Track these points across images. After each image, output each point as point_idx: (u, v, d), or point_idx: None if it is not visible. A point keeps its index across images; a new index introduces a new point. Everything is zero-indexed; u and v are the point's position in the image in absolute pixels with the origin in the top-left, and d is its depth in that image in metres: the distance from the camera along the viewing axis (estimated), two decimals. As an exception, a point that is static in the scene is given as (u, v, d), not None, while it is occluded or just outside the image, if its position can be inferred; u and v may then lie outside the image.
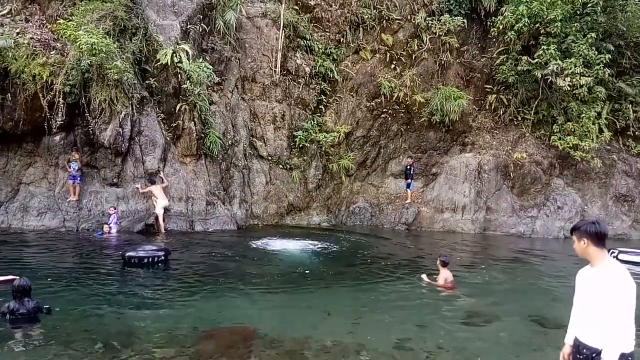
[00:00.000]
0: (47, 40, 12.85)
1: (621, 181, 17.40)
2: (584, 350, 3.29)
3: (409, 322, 6.71)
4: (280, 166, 16.53)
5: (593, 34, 15.93)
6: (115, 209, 12.64)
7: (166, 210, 13.08)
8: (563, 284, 9.47)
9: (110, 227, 12.26)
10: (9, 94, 12.32)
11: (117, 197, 13.26)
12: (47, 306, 6.11)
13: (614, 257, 11.83)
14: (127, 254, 9.19)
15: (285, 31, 16.57)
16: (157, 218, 12.84)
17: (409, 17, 17.92)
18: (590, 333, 3.26)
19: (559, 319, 6.88)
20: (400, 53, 17.73)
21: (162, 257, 9.36)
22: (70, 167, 12.83)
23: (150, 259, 9.15)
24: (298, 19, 17.05)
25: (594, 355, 3.21)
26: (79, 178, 12.92)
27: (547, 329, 6.65)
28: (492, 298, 8.16)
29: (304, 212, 16.84)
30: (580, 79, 15.62)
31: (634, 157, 17.77)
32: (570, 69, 15.66)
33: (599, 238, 3.26)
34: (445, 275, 8.51)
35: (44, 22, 13.34)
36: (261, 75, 16.51)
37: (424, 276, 8.91)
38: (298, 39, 17.07)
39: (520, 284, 9.26)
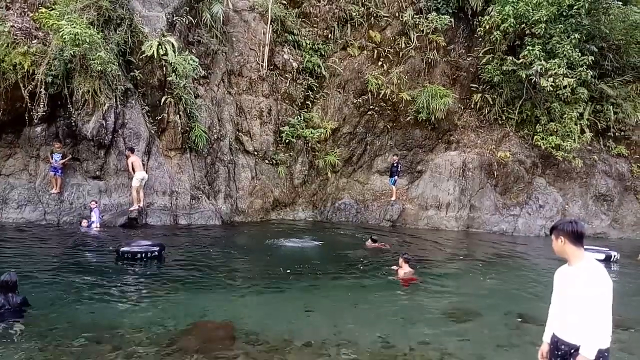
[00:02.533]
0: (28, 29, 12.54)
1: (601, 181, 17.76)
2: (562, 347, 3.36)
3: (392, 319, 6.78)
4: (266, 161, 16.47)
5: (577, 36, 16.18)
6: (96, 202, 12.44)
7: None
8: (543, 281, 9.64)
9: (89, 222, 12.05)
10: (-11, 83, 12.02)
11: (99, 190, 13.07)
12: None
13: None
14: (121, 249, 9.05)
15: (272, 25, 16.47)
16: (133, 190, 12.57)
17: (396, 15, 17.97)
18: (568, 329, 3.33)
19: (539, 316, 6.97)
20: (387, 50, 17.78)
21: (156, 252, 9.19)
22: (52, 159, 12.59)
23: (143, 254, 9.01)
24: (286, 13, 16.97)
25: (572, 351, 3.27)
26: (60, 170, 12.68)
27: (527, 325, 6.76)
28: (474, 295, 8.29)
29: (289, 208, 16.82)
30: (563, 79, 15.85)
31: (614, 157, 18.15)
32: (554, 69, 15.89)
33: (577, 237, 3.35)
34: (405, 271, 9.02)
35: (26, 10, 13.00)
36: (248, 70, 16.40)
37: (394, 267, 9.40)
38: (286, 34, 16.99)
39: (502, 282, 9.40)
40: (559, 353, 3.39)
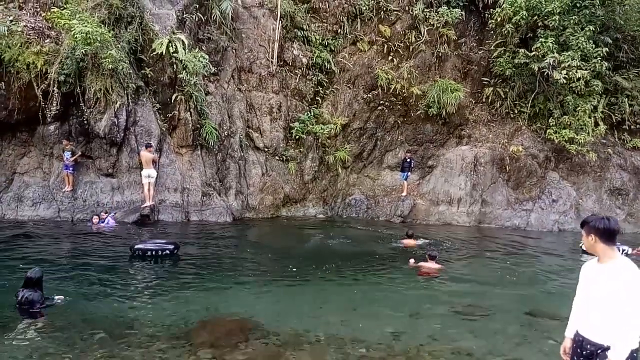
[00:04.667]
0: (41, 29, 12.71)
1: (616, 175, 17.47)
2: (588, 346, 3.24)
3: (404, 314, 6.76)
4: (277, 158, 16.49)
5: (591, 27, 15.89)
6: (107, 213, 12.43)
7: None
8: (557, 277, 9.58)
9: (102, 220, 12.14)
10: (3, 83, 12.21)
11: (112, 188, 13.22)
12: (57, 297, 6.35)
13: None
14: (136, 246, 9.10)
15: (282, 21, 16.45)
16: (144, 187, 12.69)
17: (406, 9, 17.81)
18: (595, 329, 3.21)
19: (554, 312, 6.97)
20: (397, 45, 17.65)
21: (170, 251, 9.19)
22: (65, 157, 12.75)
23: (160, 252, 9.03)
24: (295, 9, 16.92)
25: (599, 351, 3.16)
26: (71, 168, 12.83)
27: (540, 321, 6.70)
28: (487, 290, 8.22)
29: (299, 204, 16.83)
30: (577, 72, 15.59)
31: (629, 151, 17.84)
32: (567, 62, 15.64)
33: (609, 235, 3.19)
34: (430, 265, 9.13)
35: (38, 10, 13.17)
36: (258, 66, 16.41)
37: (412, 260, 9.45)
38: (295, 30, 16.95)
39: (515, 277, 9.31)
40: (584, 352, 3.27)
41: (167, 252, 9.16)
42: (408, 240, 11.91)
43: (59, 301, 6.41)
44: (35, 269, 6.24)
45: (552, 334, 5.88)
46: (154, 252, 9.02)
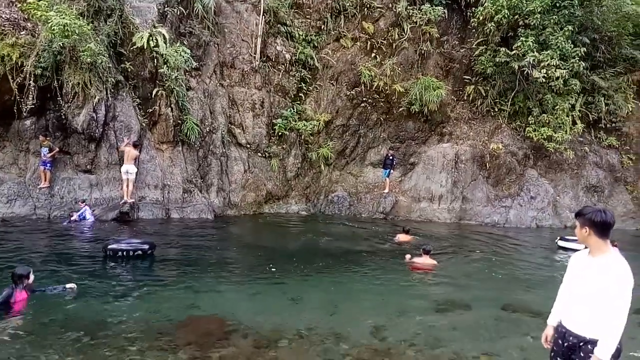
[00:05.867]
0: (16, 20, 12.35)
1: (592, 172, 17.91)
2: (571, 338, 3.23)
3: (385, 310, 6.81)
4: (259, 154, 16.41)
5: (570, 27, 16.20)
6: (84, 202, 12.26)
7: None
8: (535, 272, 9.78)
9: (81, 216, 11.91)
10: (-24, 76, 11.82)
11: (90, 184, 12.96)
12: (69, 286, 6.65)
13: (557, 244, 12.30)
14: (109, 246, 8.75)
15: (265, 17, 16.33)
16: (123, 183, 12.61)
17: (390, 6, 17.86)
18: (579, 321, 3.19)
19: (531, 307, 7.11)
20: (380, 42, 17.70)
21: (144, 251, 8.85)
22: (42, 153, 12.45)
23: (132, 252, 8.69)
24: (278, 4, 16.80)
25: (581, 344, 3.15)
26: (49, 164, 12.54)
27: (519, 316, 6.83)
28: (467, 286, 8.34)
29: (282, 201, 16.80)
30: (555, 71, 15.90)
31: (605, 149, 18.29)
32: (547, 61, 15.93)
33: (604, 228, 3.10)
34: (424, 260, 9.15)
35: (13, 0, 12.79)
36: (240, 61, 16.27)
37: (408, 256, 9.52)
38: (278, 25, 16.85)
39: (494, 273, 9.47)
40: (566, 344, 3.25)
41: (140, 252, 8.77)
42: (404, 236, 12.01)
43: (70, 290, 6.63)
44: (23, 266, 6.29)
45: (530, 330, 6.01)
46: (127, 253, 8.66)
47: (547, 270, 10.20)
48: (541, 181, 17.40)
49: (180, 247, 10.24)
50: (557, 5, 16.69)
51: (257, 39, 16.29)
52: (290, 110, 16.81)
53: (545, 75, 15.96)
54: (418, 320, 6.45)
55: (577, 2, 16.59)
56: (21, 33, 12.20)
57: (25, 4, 12.09)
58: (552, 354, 3.42)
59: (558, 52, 16.12)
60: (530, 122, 17.20)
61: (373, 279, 8.48)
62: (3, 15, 12.24)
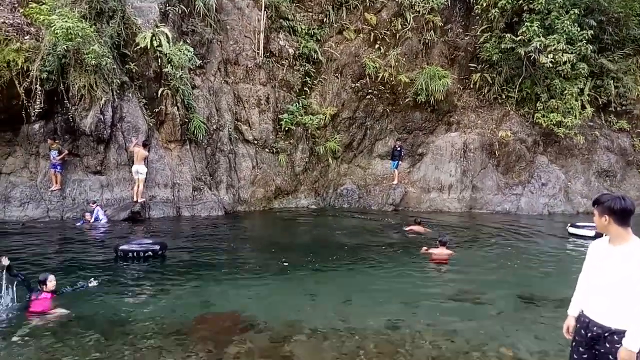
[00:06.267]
0: (20, 25, 12.40)
1: (603, 157, 17.70)
2: (595, 328, 3.12)
3: (399, 302, 6.77)
4: (267, 150, 16.40)
5: (576, 10, 15.96)
6: (95, 203, 12.33)
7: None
8: (550, 260, 9.69)
9: (95, 218, 12.01)
10: (-17, 82, 11.90)
11: (101, 185, 13.05)
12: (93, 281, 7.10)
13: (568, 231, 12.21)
14: (120, 247, 8.77)
15: (267, 12, 16.26)
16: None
17: (392, -4, 17.69)
18: (603, 311, 3.09)
19: (548, 295, 7.06)
20: (384, 32, 17.56)
21: (158, 252, 8.86)
22: (51, 156, 12.54)
23: (143, 253, 8.70)
24: (280, -1, 16.72)
25: (606, 334, 3.05)
26: (59, 166, 12.64)
27: (535, 304, 6.77)
28: (481, 276, 8.28)
29: (291, 196, 16.80)
30: (563, 55, 15.68)
31: (616, 132, 18.06)
32: (553, 45, 15.71)
33: (624, 215, 2.99)
34: (441, 251, 9.14)
35: (16, 5, 12.83)
36: (244, 58, 16.22)
37: (424, 248, 9.49)
38: (280, 20, 16.77)
39: (508, 261, 9.39)
40: (589, 335, 3.16)
41: (151, 252, 8.77)
42: (417, 227, 12.03)
43: (94, 284, 7.04)
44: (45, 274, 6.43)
45: (549, 320, 5.95)
46: (138, 254, 8.67)
47: (562, 258, 10.11)
48: (552, 167, 17.23)
49: (192, 245, 10.28)
50: (563, -12, 16.43)
51: (259, 35, 16.23)
52: (296, 105, 16.77)
53: (553, 60, 15.75)
54: (434, 311, 6.42)
55: (582, -16, 16.34)
56: (25, 38, 12.25)
57: (27, 9, 12.13)
58: (574, 344, 3.33)
59: (564, 36, 15.89)
60: (538, 108, 17.02)
61: (386, 271, 8.46)
62: (7, 21, 12.29)
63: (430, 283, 7.89)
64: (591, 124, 17.72)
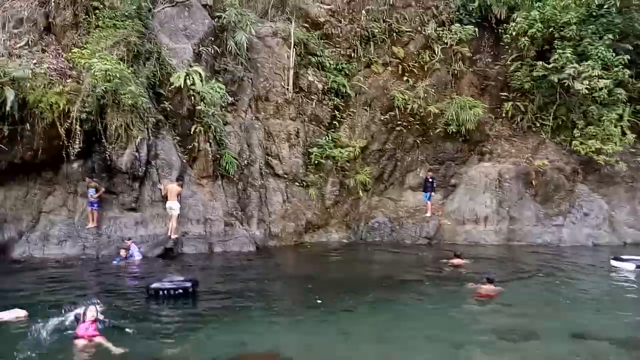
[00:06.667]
0: (63, 69, 13.00)
1: (648, 184, 16.85)
2: None
3: (442, 342, 6.39)
4: (297, 184, 16.36)
5: (610, 36, 15.66)
6: (129, 239, 12.42)
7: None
8: (601, 295, 9.08)
9: (130, 254, 12.08)
10: (28, 124, 12.39)
11: (135, 222, 13.19)
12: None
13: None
14: (152, 285, 8.65)
15: (296, 49, 16.59)
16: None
17: (419, 29, 17.85)
18: None
19: (603, 332, 6.53)
20: (412, 65, 17.61)
21: (189, 289, 8.68)
22: (89, 194, 12.82)
23: (174, 291, 8.53)
24: (308, 36, 17.07)
25: None
26: (96, 204, 12.88)
27: (594, 344, 6.26)
28: (527, 313, 7.80)
29: (322, 230, 16.58)
30: (598, 81, 15.29)
31: (660, 158, 17.23)
32: (588, 71, 15.36)
33: None
34: (488, 287, 8.94)
35: (60, 51, 13.52)
36: (274, 94, 16.49)
37: (470, 284, 9.37)
38: (309, 56, 17.06)
39: (555, 297, 8.85)
40: None
41: (182, 290, 8.59)
42: (457, 260, 11.80)
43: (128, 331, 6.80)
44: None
45: (602, 357, 5.47)
46: (169, 292, 8.53)
47: (613, 292, 9.47)
48: (593, 196, 16.50)
49: (225, 282, 10.15)
50: (594, 14, 16.23)
51: (289, 72, 16.52)
52: (325, 138, 16.80)
53: (588, 86, 15.36)
54: (480, 354, 5.99)
55: (614, 9, 16.07)
56: (67, 81, 12.80)
57: (70, 54, 12.73)
58: None
59: (599, 62, 15.53)
60: (575, 135, 16.49)
61: (426, 309, 8.08)
62: (51, 66, 12.92)
63: (476, 321, 7.46)
64: (633, 150, 16.99)
